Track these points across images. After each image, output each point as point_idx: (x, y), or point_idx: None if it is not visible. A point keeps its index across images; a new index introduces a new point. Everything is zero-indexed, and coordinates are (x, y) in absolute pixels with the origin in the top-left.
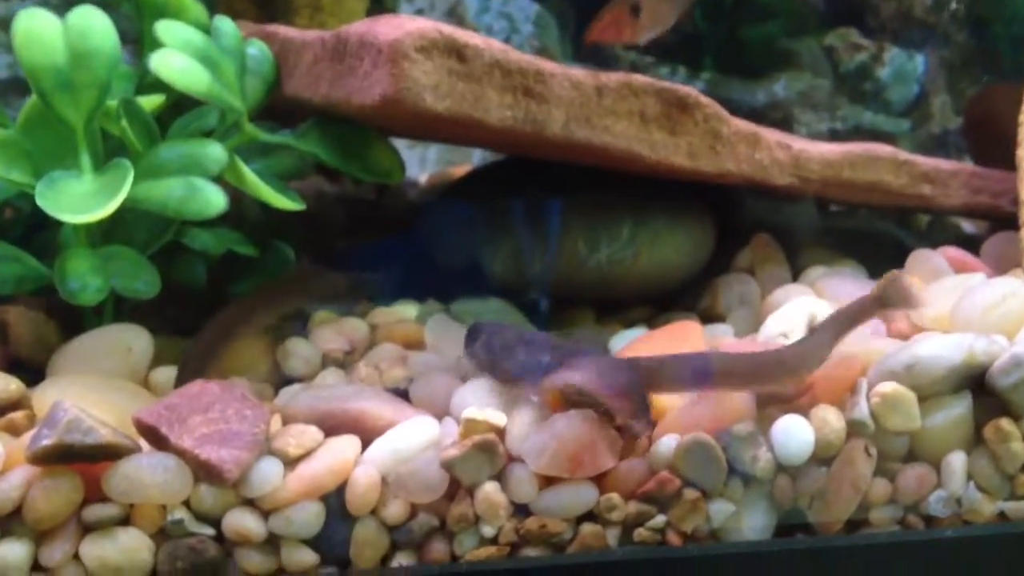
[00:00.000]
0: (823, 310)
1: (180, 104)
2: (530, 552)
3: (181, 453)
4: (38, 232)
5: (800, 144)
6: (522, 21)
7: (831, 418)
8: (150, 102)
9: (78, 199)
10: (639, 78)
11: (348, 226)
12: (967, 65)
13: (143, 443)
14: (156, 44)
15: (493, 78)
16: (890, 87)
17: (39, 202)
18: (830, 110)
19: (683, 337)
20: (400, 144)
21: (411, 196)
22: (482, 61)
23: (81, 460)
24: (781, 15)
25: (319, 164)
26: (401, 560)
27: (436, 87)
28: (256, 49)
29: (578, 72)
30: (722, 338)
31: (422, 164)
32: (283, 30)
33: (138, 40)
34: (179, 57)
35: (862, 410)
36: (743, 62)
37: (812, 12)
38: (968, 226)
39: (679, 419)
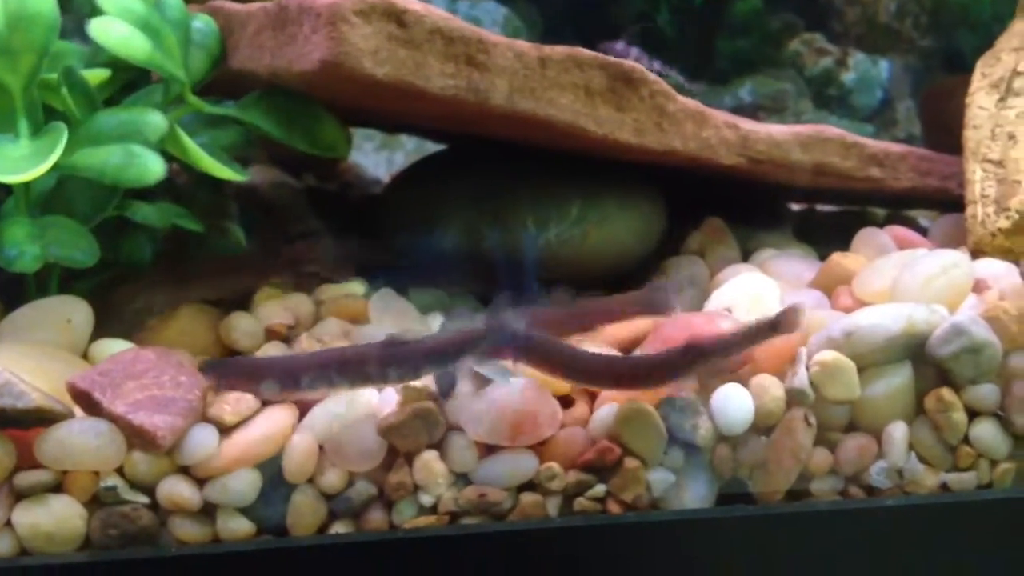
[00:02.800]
0: (767, 286)
1: (133, 86)
2: (470, 521)
3: (114, 419)
4: None
5: (748, 125)
6: (489, 25)
7: (771, 387)
8: (95, 76)
9: (12, 161)
10: (584, 52)
11: (306, 214)
12: (932, 71)
13: (77, 410)
14: (98, 12)
15: (434, 45)
16: (855, 92)
17: None
18: (795, 115)
19: None
20: (368, 148)
21: (373, 191)
22: (423, 27)
23: (13, 425)
24: (752, 31)
25: (282, 158)
26: (339, 529)
27: (375, 52)
28: (201, 22)
29: (522, 43)
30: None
31: (389, 166)
32: (228, 4)
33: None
34: (119, 24)
35: (802, 379)
36: (710, 67)
37: (779, 18)
38: (925, 221)
39: None
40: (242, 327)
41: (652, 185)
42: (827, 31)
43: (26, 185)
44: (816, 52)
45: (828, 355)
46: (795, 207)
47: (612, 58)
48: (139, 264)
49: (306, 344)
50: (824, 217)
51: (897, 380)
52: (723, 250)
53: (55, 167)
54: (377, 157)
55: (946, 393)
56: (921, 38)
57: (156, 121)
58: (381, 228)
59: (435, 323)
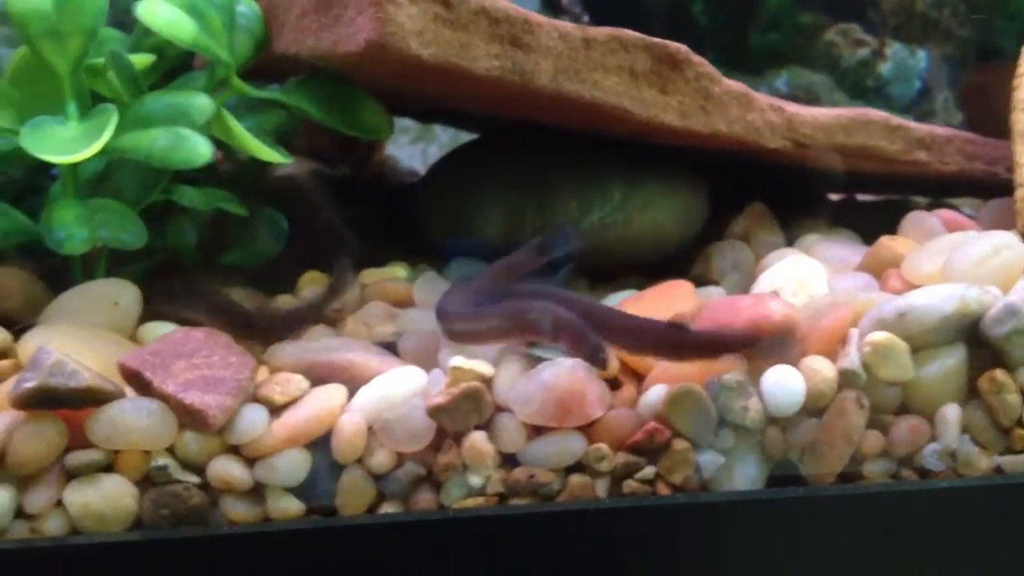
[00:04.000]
0: (814, 270)
1: (174, 73)
2: (518, 502)
3: (165, 398)
4: (29, 196)
5: (793, 108)
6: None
7: (822, 368)
8: (139, 60)
9: (62, 143)
10: (629, 32)
11: (343, 202)
12: (969, 60)
13: (128, 390)
14: None
15: (480, 26)
16: (892, 83)
17: (23, 143)
18: (831, 106)
19: (674, 296)
20: (403, 140)
21: (410, 181)
22: (468, 8)
23: (65, 405)
24: (784, 24)
25: (318, 150)
26: (388, 509)
27: (421, 33)
28: (245, 6)
29: (567, 24)
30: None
31: (424, 158)
32: None
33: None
34: (166, 6)
35: (854, 360)
36: (745, 58)
37: (815, 9)
38: (968, 211)
39: (668, 368)
40: None
41: (694, 168)
42: (864, 22)
43: (74, 168)
44: (853, 43)
45: (880, 335)
46: (833, 197)
47: (657, 39)
48: (183, 250)
49: (351, 327)
50: (863, 205)
51: (950, 361)
52: (767, 235)
53: (103, 150)
54: (412, 149)
55: (1000, 374)
56: (959, 28)
57: (203, 104)
58: (420, 216)
59: None
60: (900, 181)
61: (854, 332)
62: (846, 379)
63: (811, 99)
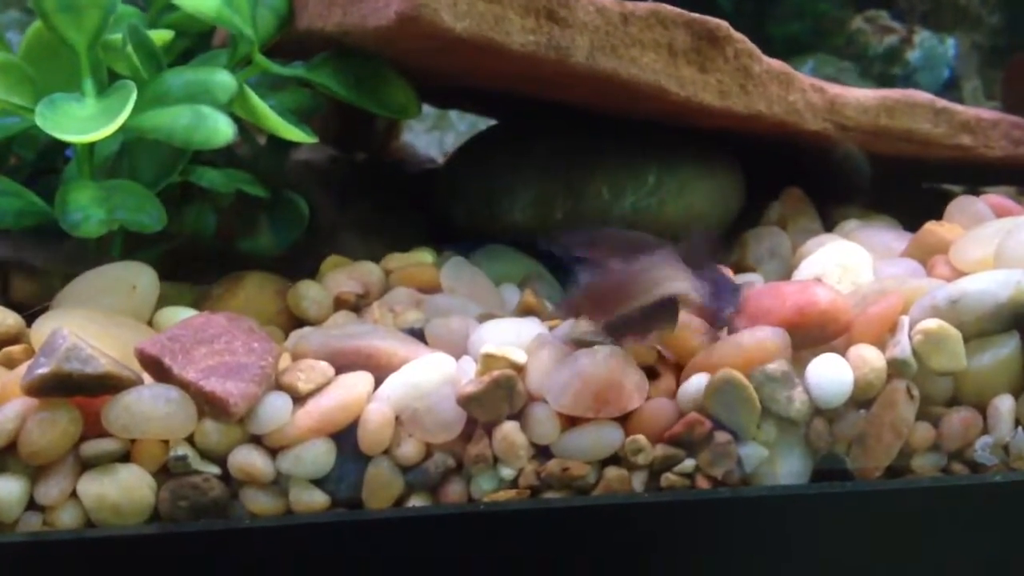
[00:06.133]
0: (859, 256)
1: (190, 54)
2: (552, 496)
3: (185, 385)
4: (43, 177)
5: (836, 88)
6: None
7: (871, 357)
8: (158, 36)
9: (79, 121)
10: (668, 8)
11: (361, 188)
12: (999, 49)
13: (145, 377)
14: None
15: None
16: (920, 71)
17: (39, 122)
18: None
19: None
20: (418, 128)
21: (428, 168)
22: None
23: (80, 392)
24: (807, 16)
25: (336, 137)
26: (416, 502)
27: (455, 5)
28: None
29: None
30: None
31: (441, 146)
32: None
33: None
34: None
35: (904, 349)
36: (769, 46)
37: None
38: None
39: (709, 357)
40: (311, 295)
41: (729, 152)
42: (892, 9)
43: (90, 148)
44: (881, 30)
45: (932, 323)
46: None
47: (697, 15)
48: (203, 234)
49: (378, 314)
50: (897, 191)
51: (1005, 351)
52: (805, 221)
53: (121, 129)
54: (428, 137)
55: None
56: (989, 15)
57: (225, 81)
58: (445, 202)
59: (509, 293)
60: (937, 167)
61: (904, 320)
62: (896, 369)
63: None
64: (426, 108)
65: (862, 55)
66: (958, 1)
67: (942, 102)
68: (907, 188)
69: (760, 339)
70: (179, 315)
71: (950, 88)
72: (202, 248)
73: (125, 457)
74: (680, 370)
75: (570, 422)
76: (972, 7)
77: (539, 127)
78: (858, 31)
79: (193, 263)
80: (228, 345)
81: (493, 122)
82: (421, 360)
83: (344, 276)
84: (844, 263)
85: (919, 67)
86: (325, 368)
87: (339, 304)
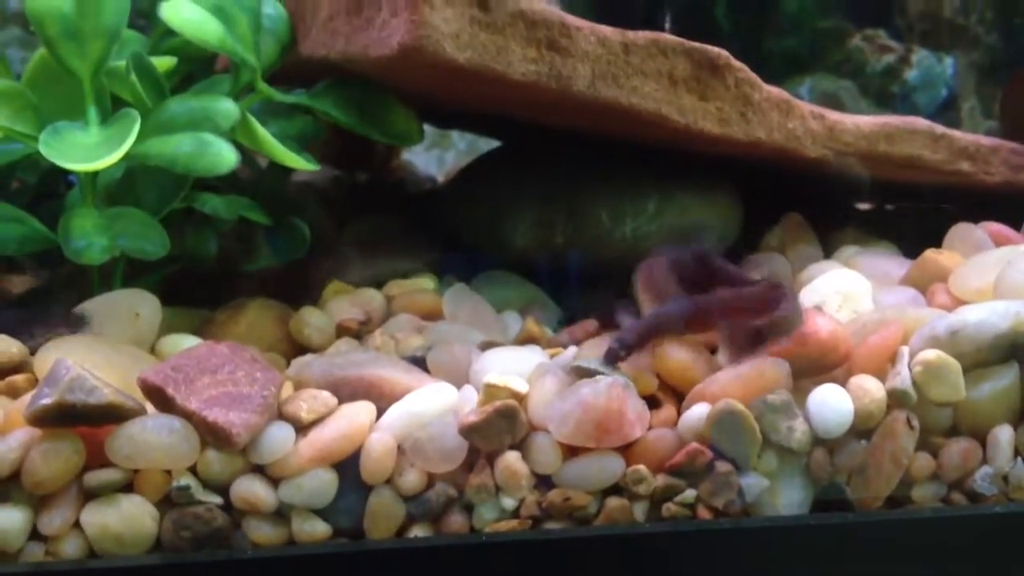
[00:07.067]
0: (859, 283)
1: (193, 77)
2: (553, 526)
3: (188, 415)
4: (45, 201)
5: (835, 115)
6: None
7: (871, 387)
8: (160, 63)
9: (83, 149)
10: (668, 37)
11: (363, 209)
12: (997, 68)
13: (149, 407)
14: None
15: (517, 29)
16: (918, 90)
17: (43, 151)
18: (856, 113)
19: None
20: (419, 146)
21: (428, 188)
22: (505, 10)
23: (83, 422)
24: (804, 31)
25: (337, 157)
26: (417, 532)
27: (457, 36)
28: (271, 8)
29: (605, 28)
30: None
31: (440, 164)
32: None
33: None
34: (190, 7)
35: (904, 379)
36: (767, 64)
37: (839, 15)
38: None
39: (709, 387)
40: (313, 323)
41: (728, 179)
42: (891, 27)
43: (93, 175)
44: (879, 49)
45: (932, 354)
46: (862, 206)
47: (697, 44)
48: (204, 259)
49: (380, 341)
50: (895, 215)
51: (1004, 382)
52: (804, 247)
53: (125, 156)
54: (428, 156)
55: None
56: (987, 35)
57: (228, 108)
58: (445, 225)
59: (510, 320)
60: (936, 192)
61: (904, 350)
62: (896, 399)
63: (835, 107)
64: (427, 127)
65: (860, 73)
66: (956, 20)
67: (941, 128)
68: (906, 214)
69: (761, 368)
70: (182, 343)
71: (948, 107)
72: (203, 271)
73: (128, 487)
74: (682, 399)
75: (572, 452)
76: (970, 27)
77: (540, 151)
78: (856, 49)
79: (194, 286)
80: (231, 375)
81: (494, 142)
82: (423, 389)
83: (347, 303)
84: (844, 291)
85: (917, 86)
86: (327, 398)
87: (341, 331)
